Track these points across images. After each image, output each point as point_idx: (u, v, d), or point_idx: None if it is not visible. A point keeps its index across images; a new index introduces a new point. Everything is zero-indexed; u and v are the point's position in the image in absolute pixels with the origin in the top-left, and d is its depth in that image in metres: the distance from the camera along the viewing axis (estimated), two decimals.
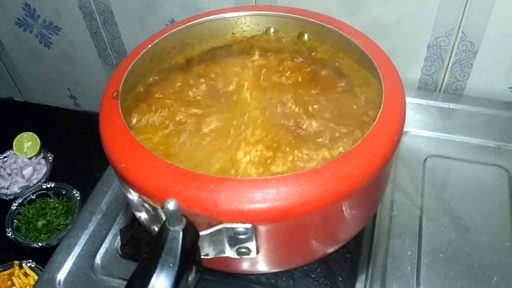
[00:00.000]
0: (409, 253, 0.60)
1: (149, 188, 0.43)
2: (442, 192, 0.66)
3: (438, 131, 0.75)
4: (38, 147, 1.09)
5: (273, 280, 0.57)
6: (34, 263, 0.90)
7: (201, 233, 0.42)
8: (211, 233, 0.42)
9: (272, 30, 0.63)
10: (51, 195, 1.01)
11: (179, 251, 0.39)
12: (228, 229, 0.41)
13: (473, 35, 0.76)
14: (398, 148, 0.65)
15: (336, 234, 0.51)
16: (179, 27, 0.60)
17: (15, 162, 1.07)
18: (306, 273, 0.57)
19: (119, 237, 0.64)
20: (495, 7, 0.71)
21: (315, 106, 0.56)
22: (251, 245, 0.44)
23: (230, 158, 0.50)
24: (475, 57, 0.78)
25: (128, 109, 0.55)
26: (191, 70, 0.62)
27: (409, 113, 0.69)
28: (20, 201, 0.98)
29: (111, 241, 0.65)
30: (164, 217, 0.40)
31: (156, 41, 0.58)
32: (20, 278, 0.89)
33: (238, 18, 0.63)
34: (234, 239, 0.43)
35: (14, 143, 1.09)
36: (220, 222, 0.41)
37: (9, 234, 0.93)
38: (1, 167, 1.07)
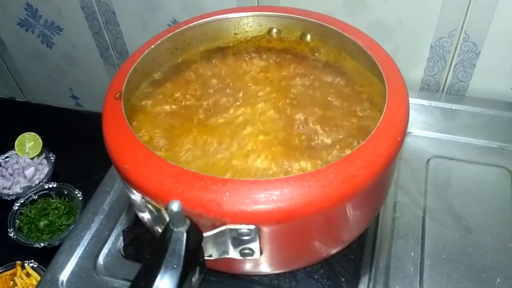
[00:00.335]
0: (412, 254, 0.60)
1: (153, 189, 0.43)
2: (445, 193, 0.66)
3: (441, 132, 0.74)
4: (40, 147, 1.09)
5: (276, 281, 0.57)
6: (36, 263, 0.90)
7: (205, 234, 0.42)
8: (214, 234, 0.42)
9: (274, 30, 0.63)
10: (53, 195, 1.02)
11: (183, 252, 0.39)
12: (231, 230, 0.41)
13: (476, 36, 0.75)
14: (401, 149, 0.65)
15: (340, 235, 0.51)
16: (182, 28, 0.60)
17: (17, 162, 1.07)
18: (309, 274, 0.57)
19: (121, 238, 0.64)
20: (498, 7, 0.71)
21: (317, 107, 0.55)
22: (255, 246, 0.44)
23: (234, 160, 0.50)
24: (478, 58, 0.78)
25: (131, 110, 0.55)
26: (194, 71, 0.62)
27: (412, 114, 0.68)
28: (22, 201, 0.99)
29: (114, 241, 0.65)
30: (167, 218, 0.40)
31: (159, 41, 0.58)
32: (22, 279, 0.89)
33: (241, 19, 0.63)
34: (238, 240, 0.43)
35: (16, 143, 1.09)
36: (224, 223, 0.41)
37: (11, 234, 0.93)
38: (3, 167, 1.08)
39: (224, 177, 0.43)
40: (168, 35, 0.59)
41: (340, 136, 0.52)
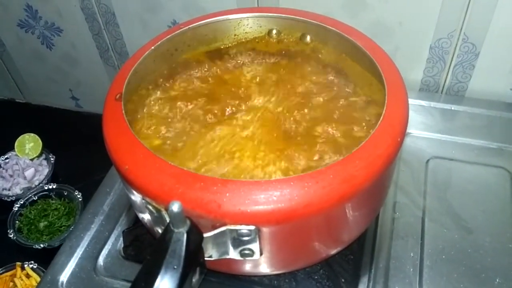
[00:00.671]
0: (412, 255, 0.60)
1: (153, 190, 0.43)
2: (444, 193, 0.66)
3: (440, 132, 0.75)
4: (40, 148, 1.09)
5: (276, 282, 0.57)
6: (36, 264, 0.91)
7: (205, 235, 0.42)
8: (214, 234, 0.42)
9: (274, 31, 0.63)
10: (53, 196, 1.02)
11: (183, 253, 0.39)
12: (231, 230, 0.42)
13: (475, 37, 0.76)
14: (400, 150, 0.65)
15: (339, 235, 0.51)
16: (182, 29, 0.60)
17: (17, 164, 1.07)
18: (309, 274, 0.57)
19: (121, 239, 0.64)
20: (497, 8, 0.71)
21: (317, 108, 0.56)
22: (255, 246, 0.44)
23: (234, 160, 0.50)
24: (477, 58, 0.78)
25: (131, 111, 0.55)
26: (193, 72, 0.62)
27: (411, 115, 0.68)
28: (22, 202, 0.99)
29: (114, 242, 0.65)
30: (168, 219, 0.40)
31: (159, 42, 0.58)
32: (22, 280, 0.89)
33: (241, 20, 0.63)
34: (238, 241, 0.43)
35: (16, 144, 1.09)
36: (224, 224, 0.41)
37: (11, 236, 0.93)
38: (3, 169, 1.08)
39: (224, 178, 0.43)
40: (168, 36, 0.59)
41: (339, 137, 0.52)
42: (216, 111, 0.56)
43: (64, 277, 0.61)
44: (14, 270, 0.90)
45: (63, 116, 1.24)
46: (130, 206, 0.67)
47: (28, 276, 0.90)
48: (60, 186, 1.01)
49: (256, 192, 0.41)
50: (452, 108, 0.79)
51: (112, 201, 0.69)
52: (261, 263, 0.48)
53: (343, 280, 0.56)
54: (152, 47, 0.57)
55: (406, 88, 0.51)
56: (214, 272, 0.53)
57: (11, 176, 1.06)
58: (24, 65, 1.19)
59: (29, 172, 1.05)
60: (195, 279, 0.42)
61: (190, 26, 0.60)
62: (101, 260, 0.63)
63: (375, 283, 0.57)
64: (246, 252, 0.44)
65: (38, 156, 1.09)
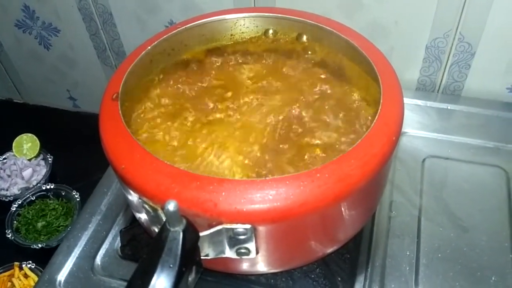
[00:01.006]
0: (408, 253, 0.60)
1: (149, 189, 0.43)
2: (440, 192, 0.67)
3: (436, 131, 0.75)
4: (38, 148, 1.09)
5: (272, 281, 0.57)
6: (34, 264, 0.91)
7: (201, 234, 0.42)
8: (211, 233, 0.42)
9: (271, 31, 0.64)
10: (51, 196, 1.02)
11: (179, 252, 0.39)
12: (227, 229, 0.42)
13: (471, 36, 0.76)
14: (396, 149, 0.65)
15: (335, 234, 0.51)
16: (179, 29, 0.60)
17: (14, 164, 1.07)
18: (305, 273, 0.57)
19: (119, 238, 0.64)
20: (492, 8, 0.71)
21: (314, 108, 0.56)
22: (251, 245, 0.44)
23: (229, 159, 0.50)
24: (473, 58, 0.78)
25: (128, 111, 0.55)
26: (190, 72, 0.62)
27: (407, 114, 0.69)
28: (19, 202, 0.99)
29: (111, 242, 0.65)
30: (164, 218, 0.41)
31: (156, 42, 0.58)
32: (20, 279, 0.89)
33: (237, 20, 0.63)
34: (234, 240, 0.43)
35: (14, 144, 1.09)
36: (220, 223, 0.41)
37: (9, 236, 0.93)
38: (1, 169, 1.08)
39: (220, 177, 0.43)
40: (165, 36, 0.59)
41: (335, 137, 0.52)
42: (212, 111, 0.56)
43: (61, 276, 0.61)
44: (12, 270, 0.90)
45: (61, 116, 1.24)
46: (127, 206, 0.68)
47: (26, 276, 0.90)
48: (58, 186, 1.01)
49: (252, 191, 0.41)
50: (448, 108, 0.79)
51: (109, 201, 0.70)
52: (257, 262, 0.49)
53: (339, 278, 0.57)
54: (149, 47, 0.57)
55: (401, 87, 0.51)
56: (211, 271, 0.53)
57: (9, 176, 1.06)
58: (22, 65, 1.19)
59: (27, 172, 1.05)
60: (191, 277, 0.42)
61: (187, 26, 0.61)
62: (98, 260, 0.63)
63: (371, 281, 0.58)
64: (242, 251, 0.44)
65: (36, 156, 1.09)
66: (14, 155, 1.09)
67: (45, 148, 1.10)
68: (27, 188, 1.03)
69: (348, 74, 0.59)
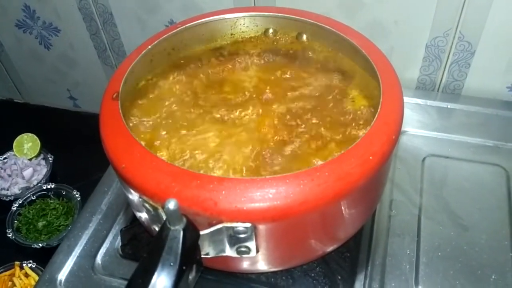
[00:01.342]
0: (408, 252, 0.60)
1: (150, 188, 0.43)
2: (440, 191, 0.67)
3: (437, 130, 0.75)
4: (38, 148, 1.09)
5: (272, 279, 0.57)
6: (35, 263, 0.91)
7: (202, 232, 0.42)
8: (211, 232, 0.42)
9: (271, 31, 0.64)
10: (51, 196, 1.02)
11: (179, 250, 0.39)
12: (228, 228, 0.42)
13: (471, 35, 0.76)
14: (396, 148, 0.65)
15: (335, 233, 0.51)
16: (179, 28, 0.60)
17: (15, 163, 1.07)
18: (305, 272, 0.57)
19: (119, 237, 0.65)
20: (492, 7, 0.71)
21: (313, 108, 0.56)
22: (251, 244, 0.44)
23: (228, 159, 0.50)
24: (473, 57, 0.79)
25: (128, 110, 0.55)
26: (190, 72, 0.62)
27: (408, 113, 0.69)
28: (20, 202, 0.99)
29: (112, 241, 0.65)
30: (164, 217, 0.41)
31: (156, 42, 0.58)
32: (21, 279, 0.89)
33: (237, 19, 0.63)
34: (234, 238, 0.43)
35: (14, 144, 1.09)
36: (220, 222, 0.41)
37: (9, 235, 0.94)
38: (1, 168, 1.08)
39: (220, 176, 0.43)
40: (165, 36, 0.59)
41: (335, 136, 0.52)
42: (211, 110, 0.56)
43: (62, 275, 0.62)
44: (12, 270, 0.91)
45: (61, 116, 1.25)
46: (128, 205, 0.68)
47: (26, 275, 0.90)
48: (58, 185, 1.02)
49: (252, 189, 0.41)
50: (448, 106, 0.79)
51: (110, 200, 0.70)
52: (257, 261, 0.49)
53: (339, 277, 0.57)
54: (149, 47, 0.58)
55: (401, 86, 0.52)
56: (211, 270, 0.53)
57: (9, 176, 1.06)
58: (22, 65, 1.19)
59: (27, 172, 1.05)
60: (191, 276, 0.42)
61: (187, 25, 0.61)
62: (99, 259, 0.63)
63: (371, 280, 0.58)
64: (243, 249, 0.45)
65: (37, 156, 1.09)
66: (14, 155, 1.09)
67: (45, 147, 1.10)
68: (27, 188, 1.03)
69: (349, 73, 0.59)
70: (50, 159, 1.08)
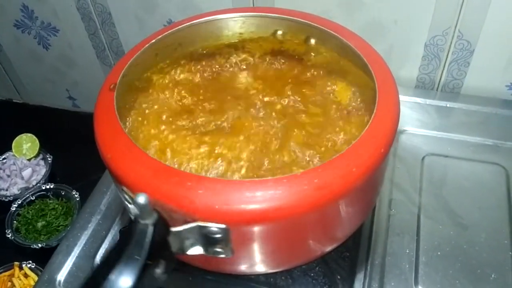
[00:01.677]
0: (407, 251, 0.60)
1: (130, 180, 0.43)
2: (440, 190, 0.67)
3: (436, 129, 0.75)
4: (37, 148, 1.09)
5: (272, 279, 0.57)
6: (34, 264, 0.90)
7: (174, 229, 0.41)
8: (185, 230, 0.41)
9: (271, 31, 0.63)
10: (51, 196, 1.02)
11: (146, 245, 0.38)
12: (202, 227, 0.41)
13: (470, 34, 0.76)
14: (395, 147, 0.65)
15: (313, 243, 0.50)
16: (177, 28, 0.60)
17: (14, 164, 1.07)
18: (305, 272, 0.57)
19: (118, 237, 0.64)
20: (491, 5, 0.71)
21: (311, 110, 0.56)
22: (225, 245, 0.43)
23: (223, 158, 0.50)
24: (472, 55, 0.78)
25: (126, 106, 0.55)
26: (189, 70, 0.62)
27: (407, 112, 0.69)
28: (19, 202, 0.99)
29: (111, 241, 0.65)
30: (137, 210, 0.40)
31: (153, 40, 0.58)
32: (20, 279, 0.89)
33: (236, 20, 0.62)
34: (208, 238, 0.42)
35: (13, 144, 1.09)
36: (195, 220, 0.41)
37: (9, 235, 0.93)
38: (0, 169, 1.08)
39: (200, 175, 0.42)
40: (164, 34, 0.59)
41: (334, 139, 0.52)
42: (208, 110, 0.56)
43: (61, 276, 0.61)
44: (12, 270, 0.90)
45: (60, 116, 1.24)
46: None
47: (26, 275, 0.90)
48: (57, 186, 1.01)
49: (229, 191, 0.40)
50: (448, 105, 0.79)
51: (109, 200, 0.70)
52: (237, 262, 0.48)
53: (339, 277, 0.57)
54: (153, 41, 0.57)
55: (397, 86, 0.51)
56: (211, 270, 0.53)
57: (8, 176, 1.06)
58: (21, 65, 1.19)
59: (26, 172, 1.05)
60: (159, 270, 0.41)
61: (184, 24, 0.60)
62: (98, 259, 0.63)
63: (371, 279, 0.58)
64: (218, 250, 0.44)
65: (36, 156, 1.09)
66: (13, 155, 1.09)
67: (44, 148, 1.10)
68: (26, 188, 1.03)
69: (348, 75, 0.59)
70: (49, 159, 1.08)
